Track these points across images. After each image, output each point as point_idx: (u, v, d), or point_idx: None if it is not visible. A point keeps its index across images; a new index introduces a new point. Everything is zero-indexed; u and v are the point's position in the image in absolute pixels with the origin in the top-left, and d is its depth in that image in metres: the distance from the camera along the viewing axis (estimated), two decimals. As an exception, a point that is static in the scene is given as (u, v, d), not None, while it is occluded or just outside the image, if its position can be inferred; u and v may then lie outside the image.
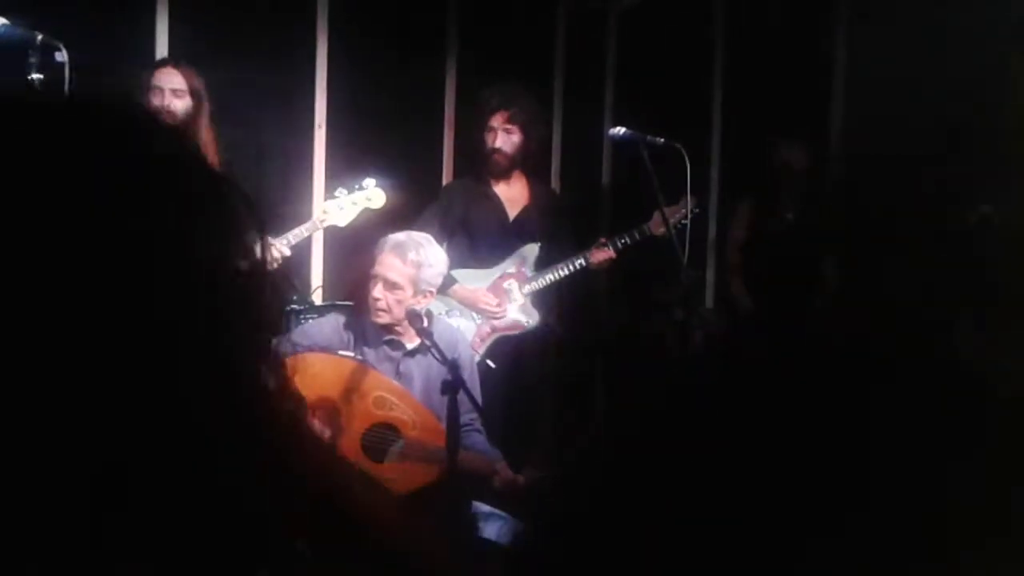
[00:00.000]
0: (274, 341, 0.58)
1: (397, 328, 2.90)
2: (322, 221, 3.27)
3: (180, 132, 0.59)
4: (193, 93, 3.22)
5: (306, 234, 3.29)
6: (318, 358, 2.85)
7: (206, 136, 3.24)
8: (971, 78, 3.65)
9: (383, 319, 2.87)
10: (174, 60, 3.30)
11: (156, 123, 0.58)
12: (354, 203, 3.27)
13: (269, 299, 0.57)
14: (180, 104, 3.18)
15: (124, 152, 0.54)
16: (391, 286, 2.85)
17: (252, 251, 0.57)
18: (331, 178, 4.04)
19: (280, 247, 3.08)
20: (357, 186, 3.29)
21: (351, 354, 2.88)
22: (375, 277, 2.87)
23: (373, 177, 3.34)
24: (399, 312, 2.85)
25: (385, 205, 3.30)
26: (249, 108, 3.66)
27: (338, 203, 3.27)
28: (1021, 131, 3.59)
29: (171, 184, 0.54)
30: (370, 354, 2.89)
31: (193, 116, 3.20)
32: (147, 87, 3.19)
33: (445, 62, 4.35)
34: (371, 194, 3.29)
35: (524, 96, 3.60)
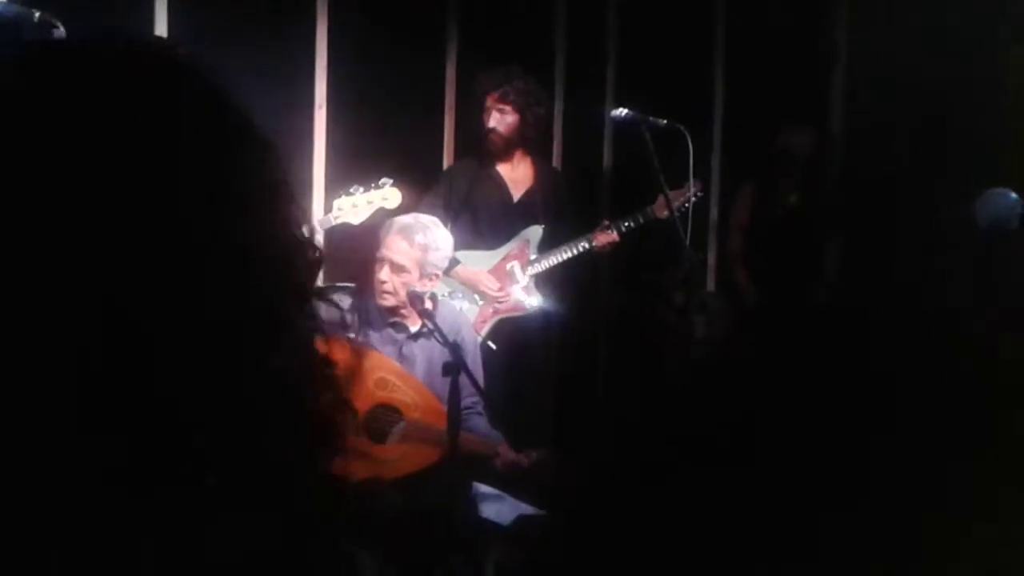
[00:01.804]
0: (312, 300, 0.58)
1: (402, 311, 2.89)
2: (336, 218, 3.24)
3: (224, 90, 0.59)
4: None
5: (319, 229, 3.27)
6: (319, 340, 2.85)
7: None
8: (970, 65, 3.64)
9: (389, 302, 2.86)
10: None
11: (209, 79, 0.57)
12: (369, 202, 3.23)
13: (307, 258, 0.57)
14: None
15: (179, 102, 0.53)
16: (398, 269, 2.84)
17: (294, 212, 0.57)
18: (331, 159, 4.02)
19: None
20: (373, 184, 3.25)
21: (353, 335, 2.88)
22: (381, 260, 2.86)
23: (374, 162, 3.32)
24: (405, 295, 2.84)
25: (401, 205, 3.26)
26: (249, 88, 3.61)
27: (353, 200, 3.23)
28: (1018, 117, 3.59)
29: (221, 141, 0.54)
30: (373, 336, 2.89)
31: None
32: None
33: (446, 43, 4.32)
34: (387, 193, 3.25)
35: (519, 76, 3.57)
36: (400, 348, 2.91)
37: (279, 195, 0.56)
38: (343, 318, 2.58)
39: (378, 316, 2.91)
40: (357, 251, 3.27)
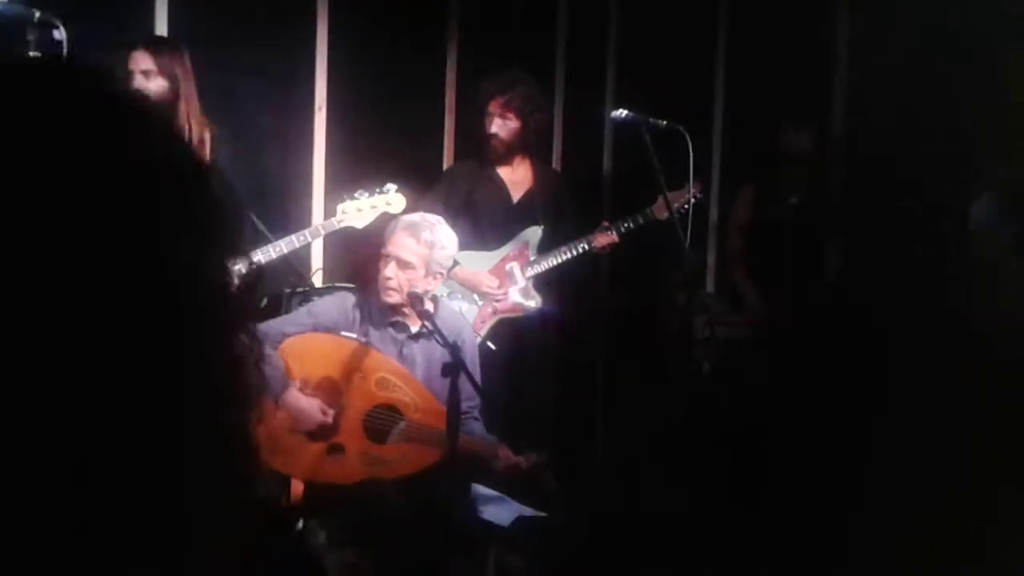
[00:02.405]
0: (249, 337, 0.56)
1: (403, 310, 2.89)
2: (340, 222, 3.23)
3: (167, 120, 0.56)
4: (168, 75, 3.14)
5: (323, 232, 3.27)
6: (322, 338, 2.85)
7: (194, 125, 3.15)
8: (970, 65, 3.64)
9: (393, 298, 2.86)
10: (146, 41, 3.22)
11: (142, 107, 0.55)
12: (373, 206, 3.23)
13: (246, 297, 0.56)
14: (153, 86, 3.09)
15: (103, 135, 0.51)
16: (404, 265, 2.84)
17: (238, 251, 0.55)
18: (331, 160, 4.02)
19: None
20: (378, 189, 3.25)
21: (354, 335, 2.88)
22: (387, 256, 2.86)
23: (374, 163, 3.31)
24: (408, 293, 2.84)
25: (405, 210, 3.26)
26: (249, 89, 3.63)
27: (357, 204, 3.22)
28: (1018, 117, 3.59)
29: (158, 177, 0.52)
30: (374, 335, 2.89)
31: (171, 99, 3.13)
32: (123, 72, 3.09)
33: (446, 45, 4.32)
34: (391, 198, 3.25)
35: (522, 82, 3.57)
36: (400, 349, 2.92)
37: (224, 235, 0.54)
38: (346, 317, 2.56)
39: (380, 315, 2.91)
40: (358, 252, 3.26)
